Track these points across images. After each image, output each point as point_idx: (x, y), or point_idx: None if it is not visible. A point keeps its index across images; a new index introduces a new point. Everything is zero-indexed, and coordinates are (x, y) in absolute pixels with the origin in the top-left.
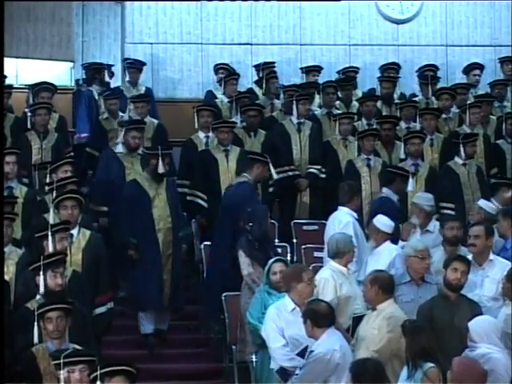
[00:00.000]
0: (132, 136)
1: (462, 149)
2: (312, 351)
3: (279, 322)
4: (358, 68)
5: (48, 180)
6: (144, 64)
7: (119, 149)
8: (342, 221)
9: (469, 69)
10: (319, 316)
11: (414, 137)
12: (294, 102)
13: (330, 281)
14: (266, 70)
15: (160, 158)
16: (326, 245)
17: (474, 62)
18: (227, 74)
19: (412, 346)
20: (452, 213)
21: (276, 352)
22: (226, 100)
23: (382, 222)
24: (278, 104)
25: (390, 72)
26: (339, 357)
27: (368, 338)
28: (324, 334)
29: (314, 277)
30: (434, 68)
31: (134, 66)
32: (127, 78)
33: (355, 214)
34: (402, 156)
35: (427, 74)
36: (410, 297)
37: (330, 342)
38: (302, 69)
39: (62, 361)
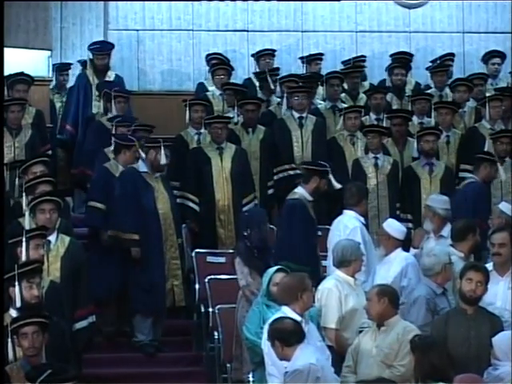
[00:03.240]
0: (164, 154)
1: (491, 146)
2: (287, 372)
3: None
4: (364, 56)
5: (17, 182)
6: (112, 47)
7: (142, 168)
8: (348, 226)
9: (488, 57)
10: (287, 334)
11: (428, 133)
12: (285, 95)
13: (334, 291)
14: (265, 59)
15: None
16: (329, 252)
17: (494, 50)
18: (216, 63)
19: (422, 365)
20: None
21: None
22: (217, 93)
23: (394, 226)
24: (275, 97)
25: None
26: (318, 370)
27: (383, 353)
28: (297, 351)
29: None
30: (452, 57)
31: (101, 53)
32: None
33: (362, 219)
34: (415, 154)
35: (448, 64)
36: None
37: (304, 357)
38: (302, 58)
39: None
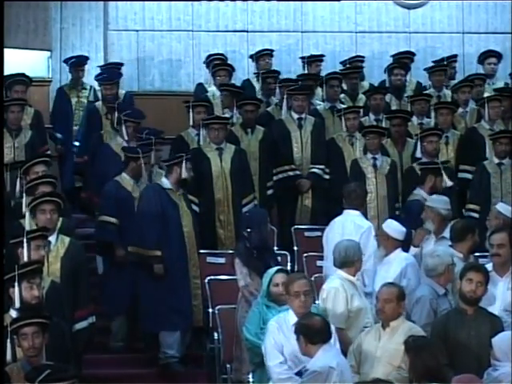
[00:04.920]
0: (188, 168)
1: (491, 147)
2: (307, 370)
3: (278, 338)
4: (363, 57)
5: (19, 182)
6: (120, 75)
7: (166, 184)
8: (362, 225)
9: (483, 57)
10: (313, 332)
11: (430, 134)
12: (285, 96)
13: (341, 291)
14: (264, 59)
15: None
16: (329, 252)
17: (490, 50)
18: (217, 64)
19: (415, 365)
20: (476, 216)
21: (272, 370)
22: (218, 94)
23: (393, 227)
24: (274, 98)
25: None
26: (336, 375)
27: (389, 354)
28: (319, 351)
29: (304, 290)
30: (456, 59)
31: (109, 83)
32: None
33: None
34: (419, 155)
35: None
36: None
37: (326, 359)
38: (302, 58)
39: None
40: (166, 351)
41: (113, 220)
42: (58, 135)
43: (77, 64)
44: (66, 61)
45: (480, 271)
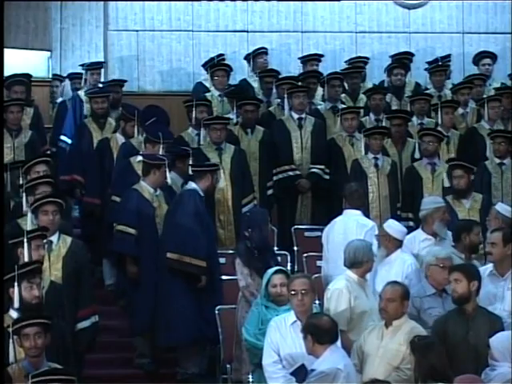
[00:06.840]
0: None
1: (491, 147)
2: (313, 370)
3: (275, 337)
4: (367, 58)
5: (21, 181)
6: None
7: (199, 191)
8: (366, 224)
9: (478, 58)
10: (321, 331)
11: (427, 134)
12: (286, 96)
13: (345, 293)
14: (262, 57)
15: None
16: (330, 252)
17: (484, 51)
18: (215, 64)
19: (421, 365)
20: None
21: (266, 369)
22: (216, 93)
23: (394, 227)
24: (275, 98)
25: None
26: (343, 377)
27: (390, 354)
28: (326, 352)
29: (302, 289)
30: (450, 58)
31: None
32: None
33: None
34: (417, 155)
35: (447, 64)
36: (438, 310)
37: (333, 360)
38: (300, 58)
39: (30, 381)
40: (188, 369)
41: (132, 231)
42: (68, 140)
43: (91, 67)
44: (81, 65)
45: (453, 270)
